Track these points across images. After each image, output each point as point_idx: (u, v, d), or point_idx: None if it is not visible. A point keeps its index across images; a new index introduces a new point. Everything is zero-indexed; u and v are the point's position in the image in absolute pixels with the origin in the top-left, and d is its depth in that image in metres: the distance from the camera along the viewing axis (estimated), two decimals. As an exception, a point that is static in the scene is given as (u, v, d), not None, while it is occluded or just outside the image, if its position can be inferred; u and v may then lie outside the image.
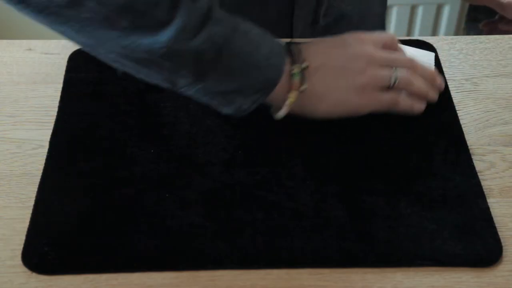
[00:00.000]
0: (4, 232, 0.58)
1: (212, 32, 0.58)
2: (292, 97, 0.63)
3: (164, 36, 0.55)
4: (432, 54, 0.76)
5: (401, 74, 0.66)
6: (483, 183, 0.62)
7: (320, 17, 0.83)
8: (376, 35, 0.68)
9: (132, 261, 0.56)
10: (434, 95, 0.68)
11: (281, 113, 0.64)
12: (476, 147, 0.66)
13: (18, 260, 0.56)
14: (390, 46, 0.68)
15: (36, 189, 0.61)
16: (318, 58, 0.64)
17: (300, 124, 0.68)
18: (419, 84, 0.67)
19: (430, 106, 0.70)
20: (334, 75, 0.64)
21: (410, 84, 0.66)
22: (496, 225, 0.59)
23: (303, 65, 0.63)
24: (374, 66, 0.65)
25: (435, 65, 0.75)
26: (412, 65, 0.67)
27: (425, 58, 0.74)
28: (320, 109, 0.65)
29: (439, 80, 0.69)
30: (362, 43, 0.66)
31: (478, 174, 0.63)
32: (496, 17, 0.98)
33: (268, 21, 0.73)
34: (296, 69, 0.62)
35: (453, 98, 0.71)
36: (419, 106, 0.67)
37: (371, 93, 0.65)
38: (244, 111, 0.62)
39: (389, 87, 0.66)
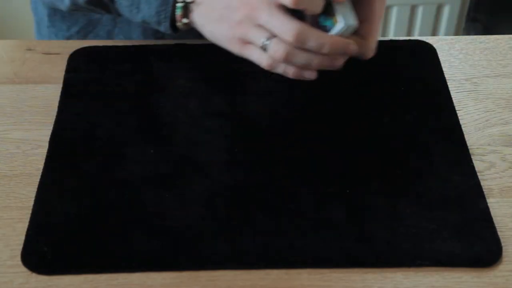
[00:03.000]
0: (4, 232, 0.58)
1: None
2: (178, 16, 0.66)
3: None
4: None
5: (275, 45, 0.60)
6: (483, 183, 0.62)
7: None
8: None
9: (132, 261, 0.56)
10: (328, 64, 0.62)
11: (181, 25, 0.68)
12: (476, 147, 0.66)
13: (18, 260, 0.56)
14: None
15: (35, 189, 0.61)
16: None
17: (300, 124, 0.68)
18: (300, 59, 0.61)
19: (430, 106, 0.70)
20: (212, 16, 0.65)
21: (286, 58, 0.61)
22: (496, 225, 0.59)
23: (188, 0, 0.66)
24: (248, 24, 0.62)
25: (435, 63, 0.75)
26: (296, 38, 0.59)
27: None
28: (205, 35, 0.67)
29: (344, 49, 0.62)
30: None
31: (478, 174, 0.63)
32: None
33: None
34: (179, 3, 0.66)
35: (453, 98, 0.71)
36: (308, 74, 0.63)
37: (242, 45, 0.63)
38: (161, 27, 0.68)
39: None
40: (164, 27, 0.68)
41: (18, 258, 0.56)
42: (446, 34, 1.72)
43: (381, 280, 0.55)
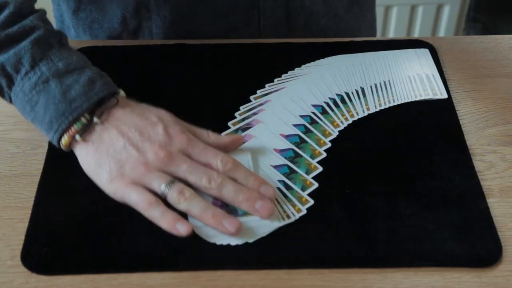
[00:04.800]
0: (4, 232, 0.58)
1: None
2: (64, 140, 0.61)
3: None
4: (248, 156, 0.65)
5: (178, 188, 0.58)
6: (483, 183, 0.62)
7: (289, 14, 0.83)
8: (204, 135, 0.63)
9: (132, 261, 0.56)
10: (224, 228, 0.57)
11: (62, 146, 0.62)
12: (476, 147, 0.66)
13: (18, 260, 0.56)
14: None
15: (35, 189, 0.61)
16: (113, 123, 0.61)
17: (300, 124, 0.68)
18: (196, 206, 0.58)
19: (430, 106, 0.70)
20: (114, 145, 0.60)
21: (186, 200, 0.58)
22: (496, 225, 0.59)
23: (94, 120, 0.61)
24: (151, 168, 0.59)
25: (435, 63, 0.75)
26: (233, 164, 0.60)
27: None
28: (83, 165, 0.62)
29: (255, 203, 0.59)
30: (171, 139, 0.61)
31: (478, 174, 0.63)
32: None
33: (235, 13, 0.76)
34: (83, 119, 0.60)
35: (453, 98, 0.71)
36: (181, 227, 0.57)
37: (127, 184, 0.59)
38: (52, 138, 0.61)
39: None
40: (52, 138, 0.61)
41: (18, 258, 0.56)
42: (446, 34, 1.72)
43: (381, 280, 0.55)
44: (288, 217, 0.59)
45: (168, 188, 0.58)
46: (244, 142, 0.65)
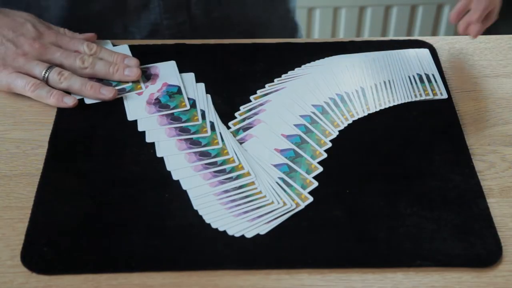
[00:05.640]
0: (4, 232, 0.58)
1: None
2: None
3: None
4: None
5: (57, 71, 0.68)
6: (483, 183, 0.62)
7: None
8: (69, 34, 0.73)
9: (132, 261, 0.56)
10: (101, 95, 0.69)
11: None
12: (476, 147, 0.66)
13: (18, 260, 0.56)
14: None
15: (35, 189, 0.61)
16: None
17: (300, 124, 0.68)
18: (75, 83, 0.68)
19: (430, 106, 0.70)
20: None
21: (66, 80, 0.68)
22: (496, 225, 0.59)
23: None
24: (29, 58, 0.69)
25: (435, 63, 0.75)
26: (98, 48, 0.71)
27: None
28: None
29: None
30: (41, 34, 0.70)
31: (478, 174, 0.63)
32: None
33: None
34: None
35: (453, 98, 0.71)
36: (67, 99, 0.68)
37: (11, 72, 0.68)
38: None
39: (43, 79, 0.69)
40: None
41: (18, 258, 0.56)
42: (446, 34, 1.72)
43: (381, 280, 0.55)
44: (285, 204, 0.59)
45: (48, 72, 0.68)
46: (244, 141, 0.65)
